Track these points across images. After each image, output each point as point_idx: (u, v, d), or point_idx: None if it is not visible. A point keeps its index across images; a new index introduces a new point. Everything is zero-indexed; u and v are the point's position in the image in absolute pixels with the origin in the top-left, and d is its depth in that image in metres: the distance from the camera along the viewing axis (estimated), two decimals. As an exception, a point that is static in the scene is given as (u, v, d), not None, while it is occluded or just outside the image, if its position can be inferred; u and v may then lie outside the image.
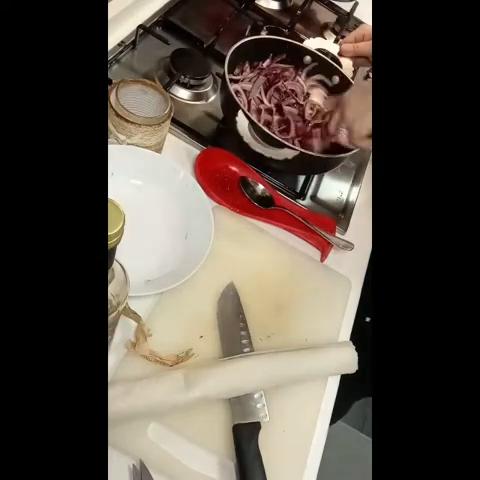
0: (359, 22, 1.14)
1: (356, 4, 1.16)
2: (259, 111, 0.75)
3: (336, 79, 0.80)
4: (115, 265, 0.38)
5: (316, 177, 0.79)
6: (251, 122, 0.65)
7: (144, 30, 0.81)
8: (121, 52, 0.79)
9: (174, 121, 0.72)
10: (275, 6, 1.07)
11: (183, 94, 0.78)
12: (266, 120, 0.74)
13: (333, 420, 0.57)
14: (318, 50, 0.82)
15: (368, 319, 0.67)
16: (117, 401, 0.45)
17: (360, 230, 0.75)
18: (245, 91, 0.75)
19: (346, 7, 1.16)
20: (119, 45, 0.79)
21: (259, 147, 0.67)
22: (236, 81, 0.76)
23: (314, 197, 0.77)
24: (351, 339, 0.62)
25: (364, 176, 0.84)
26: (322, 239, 0.68)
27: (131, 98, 0.62)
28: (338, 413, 0.59)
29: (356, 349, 0.57)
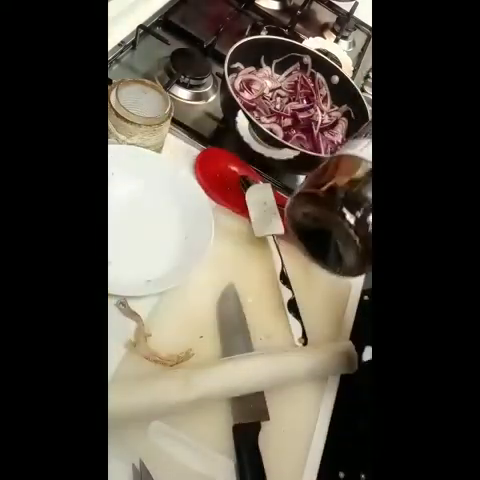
0: (359, 22, 1.15)
1: (356, 4, 1.16)
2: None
3: (336, 79, 0.80)
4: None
5: (316, 177, 0.79)
6: (251, 122, 0.65)
7: (144, 30, 0.81)
8: (121, 52, 0.78)
9: (174, 121, 0.72)
10: (275, 6, 1.07)
11: (183, 94, 0.78)
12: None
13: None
14: (318, 50, 0.82)
15: (366, 297, 0.65)
16: (117, 401, 0.45)
17: (360, 230, 0.74)
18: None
19: (346, 7, 1.16)
20: (119, 45, 0.78)
21: (259, 147, 0.67)
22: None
23: (314, 197, 0.77)
24: (351, 339, 0.62)
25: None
26: (322, 239, 0.68)
27: (131, 98, 0.62)
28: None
29: (356, 349, 0.57)
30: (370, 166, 0.42)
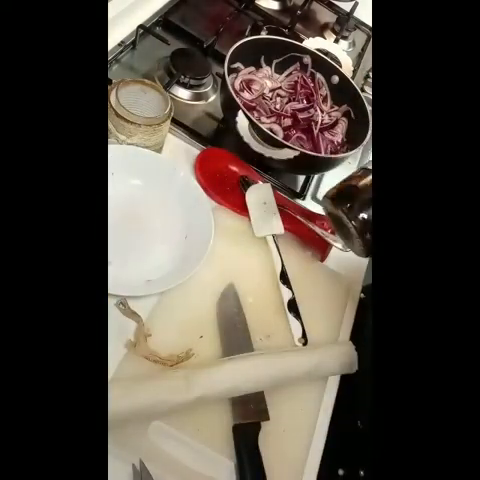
0: (359, 22, 1.15)
1: (356, 4, 1.16)
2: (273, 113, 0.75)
3: (336, 79, 0.80)
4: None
5: (316, 177, 0.79)
6: (251, 122, 0.65)
7: (144, 30, 0.81)
8: (121, 52, 0.78)
9: (174, 121, 0.72)
10: (275, 6, 1.07)
11: (183, 94, 0.78)
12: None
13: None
14: (318, 50, 0.82)
15: (362, 295, 0.68)
16: (117, 401, 0.45)
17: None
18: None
19: (346, 7, 1.16)
20: (119, 45, 0.79)
21: (259, 147, 0.67)
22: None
23: (314, 197, 0.77)
24: (351, 339, 0.62)
25: (364, 176, 0.84)
26: (322, 239, 0.68)
27: (131, 98, 0.62)
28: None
29: (356, 349, 0.58)
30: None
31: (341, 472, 0.52)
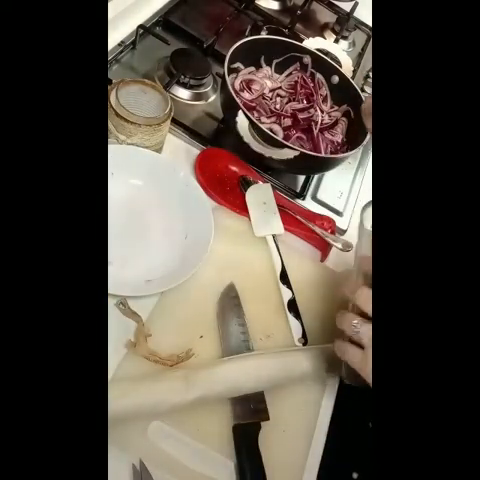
0: (359, 22, 1.15)
1: (356, 4, 1.16)
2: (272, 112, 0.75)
3: (336, 79, 0.80)
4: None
5: (316, 177, 0.79)
6: (251, 122, 0.65)
7: (144, 30, 0.81)
8: (121, 52, 0.78)
9: (174, 121, 0.72)
10: (275, 6, 1.07)
11: (183, 94, 0.78)
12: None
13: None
14: (318, 50, 0.82)
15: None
16: (117, 401, 0.45)
17: (360, 230, 0.74)
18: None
19: (346, 7, 1.16)
20: (119, 45, 0.79)
21: (259, 147, 0.67)
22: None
23: (314, 197, 0.77)
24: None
25: (364, 176, 0.84)
26: (322, 239, 0.68)
27: (131, 98, 0.62)
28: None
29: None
30: None
31: (355, 475, 0.52)
